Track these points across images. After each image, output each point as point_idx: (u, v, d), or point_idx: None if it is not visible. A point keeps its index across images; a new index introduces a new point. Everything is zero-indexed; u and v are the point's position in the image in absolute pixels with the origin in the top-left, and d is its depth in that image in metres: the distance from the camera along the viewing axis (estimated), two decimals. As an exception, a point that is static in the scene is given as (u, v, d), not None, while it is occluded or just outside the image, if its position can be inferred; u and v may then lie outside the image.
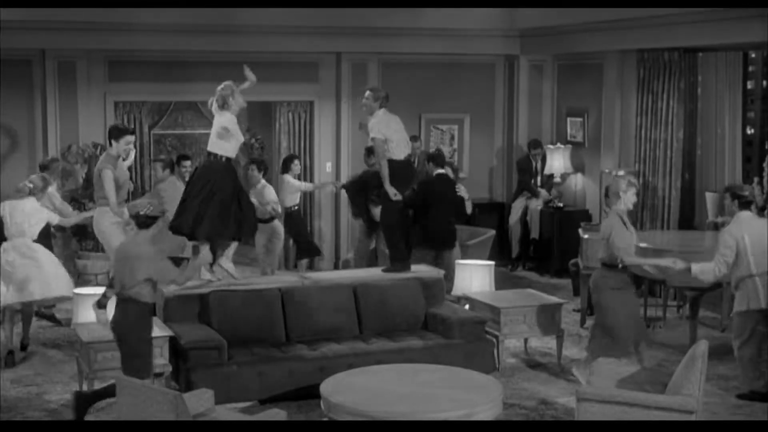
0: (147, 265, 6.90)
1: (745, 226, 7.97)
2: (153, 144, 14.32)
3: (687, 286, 9.11)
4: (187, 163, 11.57)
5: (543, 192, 13.24)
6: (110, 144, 8.07)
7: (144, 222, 7.00)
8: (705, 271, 7.96)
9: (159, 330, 7.93)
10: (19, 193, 9.33)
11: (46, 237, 9.63)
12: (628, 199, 7.96)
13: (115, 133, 8.15)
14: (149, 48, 12.25)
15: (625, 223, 7.92)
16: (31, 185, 9.30)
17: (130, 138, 8.20)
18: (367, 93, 9.17)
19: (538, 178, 13.33)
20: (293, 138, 13.35)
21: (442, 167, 10.77)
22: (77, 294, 8.45)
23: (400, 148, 9.12)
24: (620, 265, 7.90)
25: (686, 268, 7.96)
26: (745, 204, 8.03)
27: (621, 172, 12.28)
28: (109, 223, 7.98)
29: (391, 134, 9.05)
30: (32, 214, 9.20)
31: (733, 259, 7.91)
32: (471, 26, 13.21)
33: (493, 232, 11.95)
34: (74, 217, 9.86)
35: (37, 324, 10.36)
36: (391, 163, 9.08)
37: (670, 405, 6.45)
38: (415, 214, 10.23)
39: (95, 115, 12.40)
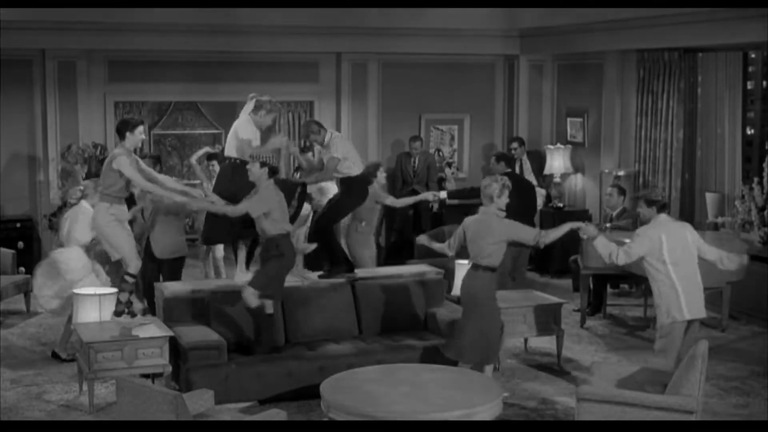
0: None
1: (664, 227, 7.63)
2: (153, 144, 14.33)
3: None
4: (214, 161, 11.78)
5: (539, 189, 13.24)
6: (122, 138, 8.04)
7: (274, 170, 8.15)
8: (605, 246, 7.66)
9: (159, 330, 7.95)
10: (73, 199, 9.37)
11: None
12: (502, 201, 7.86)
13: (129, 125, 8.11)
14: (149, 48, 12.26)
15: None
16: (82, 188, 9.35)
17: (142, 128, 8.21)
18: (311, 137, 9.07)
19: (527, 174, 13.30)
20: (293, 138, 13.36)
21: (512, 167, 10.87)
22: (77, 294, 8.44)
23: (357, 165, 9.15)
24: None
25: (594, 236, 7.73)
26: (662, 207, 7.71)
27: (621, 172, 12.34)
28: (107, 221, 7.99)
29: (348, 152, 9.08)
30: (76, 222, 9.16)
31: (636, 258, 7.60)
32: (471, 26, 13.22)
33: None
34: None
35: (38, 324, 10.39)
36: (351, 179, 9.11)
37: (670, 405, 6.46)
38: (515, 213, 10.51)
39: (95, 115, 12.41)
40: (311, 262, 10.18)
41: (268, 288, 8.09)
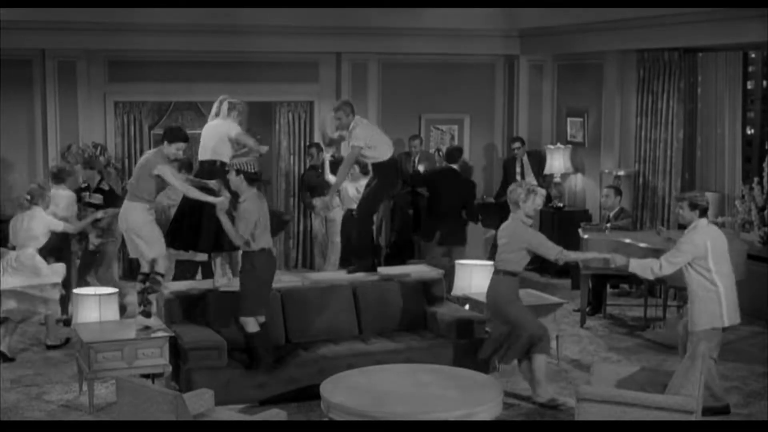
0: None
1: (708, 233, 7.61)
2: (153, 144, 14.29)
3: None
4: None
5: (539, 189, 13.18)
6: (163, 143, 8.14)
7: (251, 177, 7.84)
8: (643, 266, 7.63)
9: (159, 330, 7.95)
10: (21, 208, 9.38)
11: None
12: (528, 207, 7.86)
13: (172, 135, 8.16)
14: (149, 48, 12.25)
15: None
16: (29, 196, 9.32)
17: (184, 146, 8.26)
18: (336, 113, 9.07)
19: (527, 174, 13.30)
20: (293, 138, 13.35)
21: (454, 162, 10.96)
22: (77, 294, 8.45)
23: (384, 150, 9.16)
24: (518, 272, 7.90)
25: (625, 264, 7.69)
26: (703, 212, 7.66)
27: (621, 172, 12.34)
28: (147, 220, 8.07)
29: (372, 138, 9.08)
30: (32, 224, 9.20)
31: (681, 265, 7.54)
32: (471, 26, 13.21)
33: (493, 232, 11.93)
34: (79, 223, 9.84)
35: (38, 324, 10.37)
36: (380, 164, 9.14)
37: (670, 405, 6.46)
38: (427, 207, 10.63)
39: (95, 115, 12.39)
40: (347, 259, 10.43)
41: (258, 307, 7.98)
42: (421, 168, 12.75)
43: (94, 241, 10.33)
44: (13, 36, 11.46)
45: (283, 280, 9.04)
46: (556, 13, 12.35)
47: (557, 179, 13.31)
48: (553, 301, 9.25)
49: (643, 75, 12.07)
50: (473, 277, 9.50)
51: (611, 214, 11.06)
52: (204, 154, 8.72)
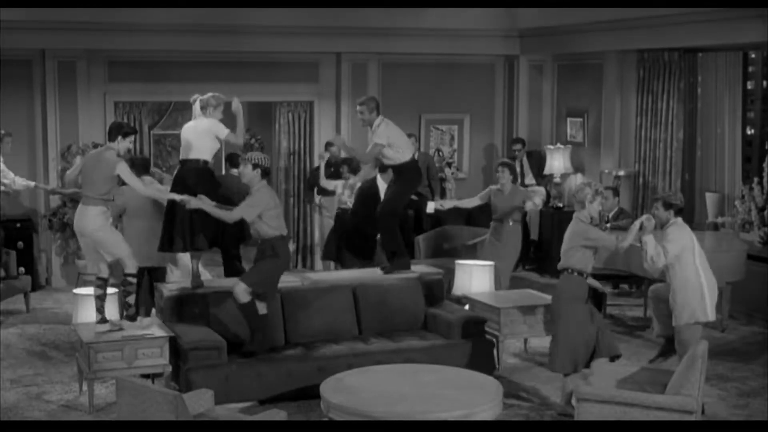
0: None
1: (688, 232, 7.71)
2: (153, 144, 14.31)
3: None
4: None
5: (539, 189, 13.21)
6: (113, 140, 8.01)
7: (266, 171, 8.07)
8: (654, 245, 7.61)
9: (159, 330, 7.95)
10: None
11: None
12: (593, 209, 7.90)
13: (122, 129, 8.10)
14: (149, 48, 12.25)
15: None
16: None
17: (133, 138, 8.20)
18: (360, 107, 9.18)
19: (527, 174, 13.29)
20: (293, 138, 13.35)
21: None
22: (77, 294, 8.44)
23: (406, 151, 9.24)
24: (585, 275, 7.89)
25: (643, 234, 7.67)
26: (679, 211, 7.70)
27: (621, 172, 12.33)
28: (101, 224, 7.93)
29: (395, 138, 9.13)
30: None
31: (673, 256, 7.62)
32: (471, 26, 13.22)
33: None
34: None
35: (38, 324, 10.38)
36: (402, 165, 9.23)
37: (670, 405, 6.46)
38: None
39: (95, 115, 12.39)
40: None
41: (260, 285, 8.06)
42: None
43: None
44: (13, 36, 11.47)
45: (283, 280, 9.02)
46: (556, 13, 12.36)
47: (557, 179, 13.31)
48: (553, 301, 9.23)
49: (643, 75, 12.07)
50: (473, 277, 9.50)
51: (610, 215, 11.06)
52: (186, 153, 8.65)
